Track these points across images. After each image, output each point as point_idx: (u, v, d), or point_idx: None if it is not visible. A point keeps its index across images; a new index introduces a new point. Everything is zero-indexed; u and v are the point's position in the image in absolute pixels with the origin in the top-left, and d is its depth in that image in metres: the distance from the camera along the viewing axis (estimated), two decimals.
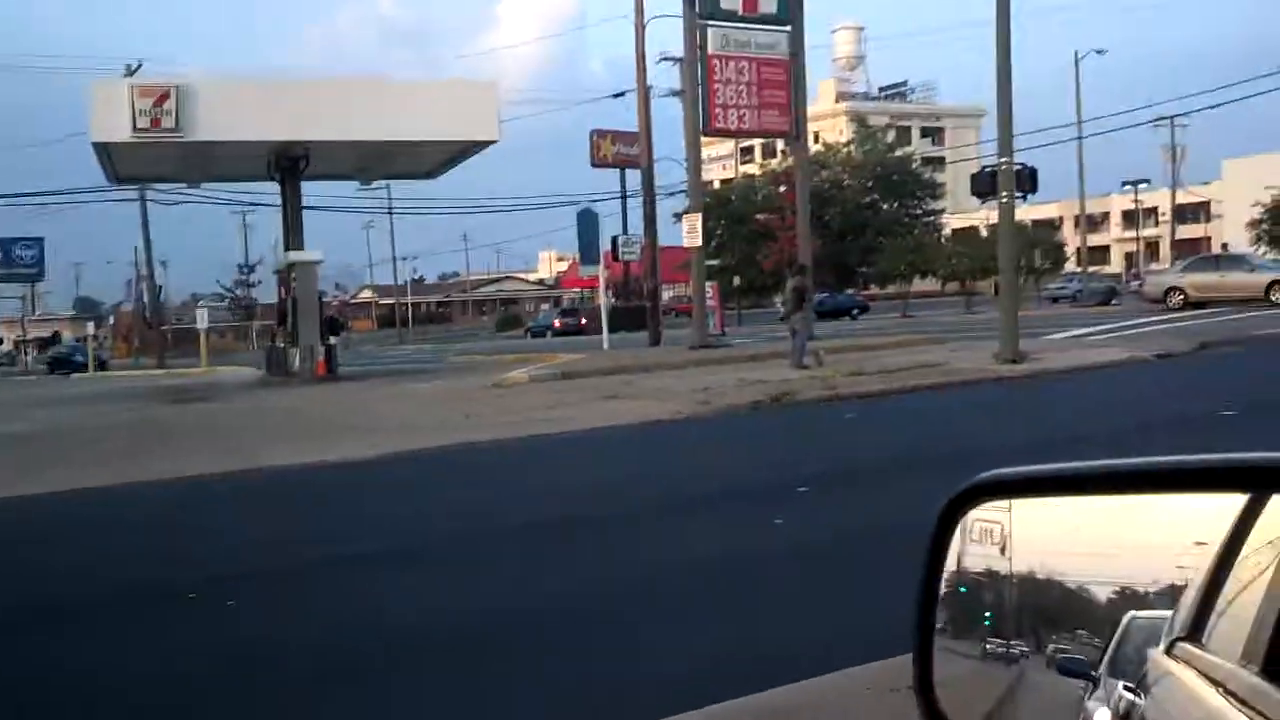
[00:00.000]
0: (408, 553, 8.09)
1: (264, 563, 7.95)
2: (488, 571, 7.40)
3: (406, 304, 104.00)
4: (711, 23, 29.52)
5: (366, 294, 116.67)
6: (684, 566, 7.11)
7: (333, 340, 33.09)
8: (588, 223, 35.33)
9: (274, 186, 31.70)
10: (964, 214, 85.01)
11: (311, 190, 34.39)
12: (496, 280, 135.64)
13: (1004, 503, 1.35)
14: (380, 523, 9.59)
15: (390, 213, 78.51)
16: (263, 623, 6.38)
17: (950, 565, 1.37)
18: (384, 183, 51.62)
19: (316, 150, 28.65)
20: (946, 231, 75.23)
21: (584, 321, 66.63)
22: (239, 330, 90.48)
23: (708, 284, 32.33)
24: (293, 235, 30.23)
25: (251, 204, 54.56)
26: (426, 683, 5.08)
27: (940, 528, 1.36)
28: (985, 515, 1.35)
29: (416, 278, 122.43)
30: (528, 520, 9.05)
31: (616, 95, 49.23)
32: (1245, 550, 1.17)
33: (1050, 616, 1.30)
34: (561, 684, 5.03)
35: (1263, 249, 49.09)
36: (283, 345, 30.73)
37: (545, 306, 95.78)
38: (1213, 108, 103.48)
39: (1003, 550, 1.33)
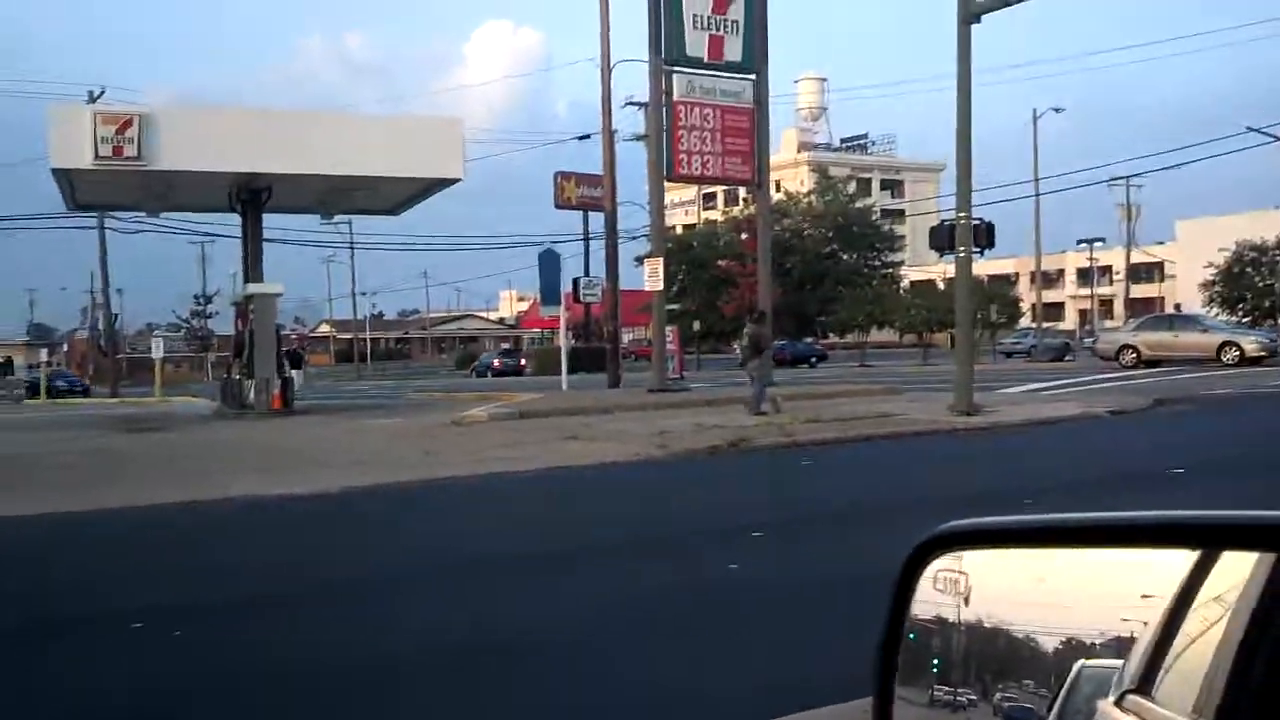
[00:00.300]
0: (367, 585, 8.01)
1: (214, 595, 7.83)
2: (436, 607, 7.32)
3: (365, 339, 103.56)
4: (677, 69, 29.76)
5: (325, 328, 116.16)
6: (638, 606, 7.08)
7: (295, 373, 32.93)
8: (549, 263, 35.46)
9: (234, 217, 31.52)
10: (922, 266, 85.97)
11: (272, 222, 34.25)
12: (457, 318, 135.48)
13: (963, 553, 1.36)
14: (341, 556, 9.49)
15: (352, 248, 78.33)
16: (204, 655, 6.29)
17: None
18: (346, 217, 51.59)
19: (279, 183, 28.53)
20: (905, 283, 76.07)
21: (523, 363, 67.20)
22: (194, 361, 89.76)
23: (668, 328, 32.40)
24: (252, 267, 30.05)
25: (211, 235, 54.27)
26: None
27: (904, 575, 1.37)
28: (947, 564, 1.37)
29: (376, 313, 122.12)
30: (480, 557, 9.00)
31: (581, 138, 49.46)
32: (1195, 604, 1.18)
33: (998, 666, 1.31)
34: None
35: (1215, 310, 49.85)
36: (238, 377, 30.46)
37: (505, 345, 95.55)
38: (1169, 169, 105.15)
39: (966, 600, 1.34)
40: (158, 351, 50.35)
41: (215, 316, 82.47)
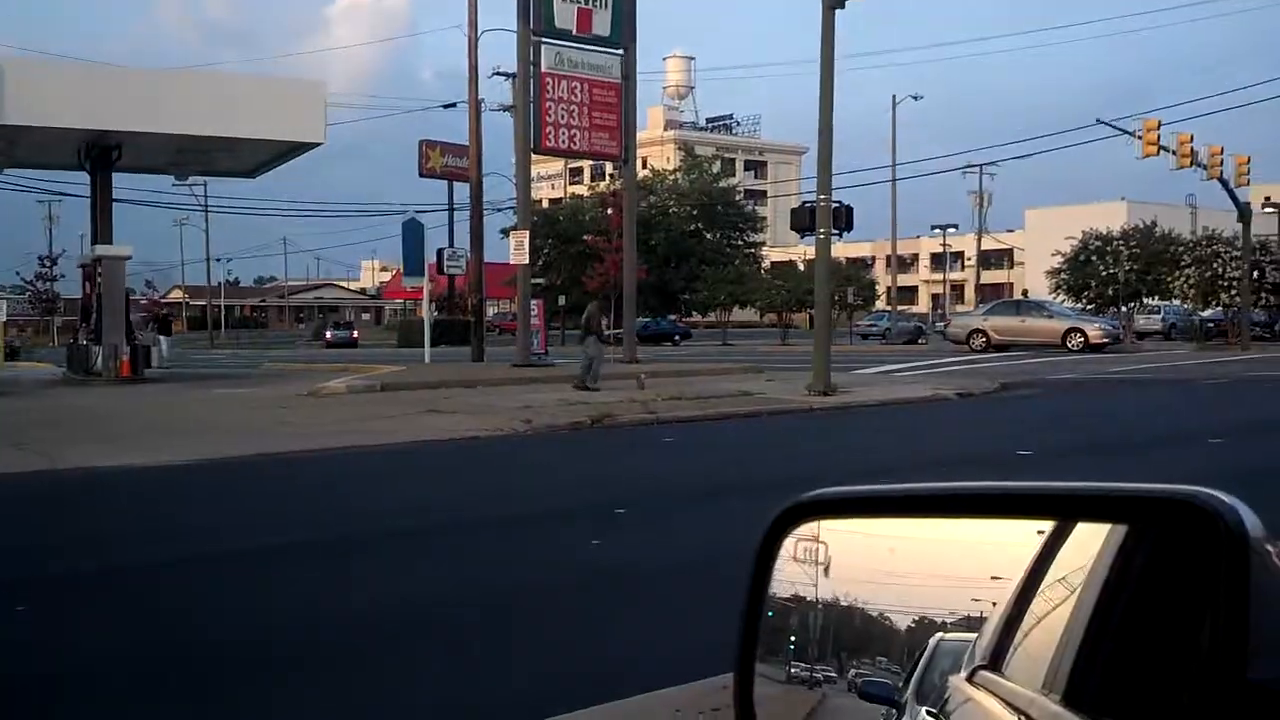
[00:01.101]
0: (183, 564, 7.77)
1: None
2: (252, 592, 7.00)
3: (219, 306, 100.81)
4: (545, 40, 29.56)
5: (177, 294, 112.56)
6: (497, 585, 7.04)
7: (162, 340, 32.12)
8: (413, 233, 34.83)
9: (83, 176, 30.35)
10: (783, 248, 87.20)
11: (123, 182, 33.09)
12: (316, 287, 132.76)
13: (823, 522, 1.36)
14: (172, 533, 9.19)
15: (206, 210, 75.95)
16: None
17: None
18: (201, 179, 50.06)
19: (130, 141, 27.53)
20: (766, 263, 76.95)
21: (355, 334, 68.54)
22: (39, 325, 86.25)
23: (533, 302, 32.24)
24: (101, 228, 28.97)
25: (59, 194, 52.10)
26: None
27: (764, 548, 1.36)
28: (807, 534, 1.36)
29: (231, 280, 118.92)
30: (326, 536, 8.79)
31: (447, 106, 48.78)
32: (1046, 581, 1.20)
33: (855, 642, 1.32)
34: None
35: (1061, 297, 51.48)
36: (85, 343, 29.37)
37: (365, 316, 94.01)
38: (1020, 158, 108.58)
39: (826, 570, 1.34)
40: (0, 314, 48.16)
41: (62, 279, 79.31)
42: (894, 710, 1.25)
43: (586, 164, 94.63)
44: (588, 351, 23.17)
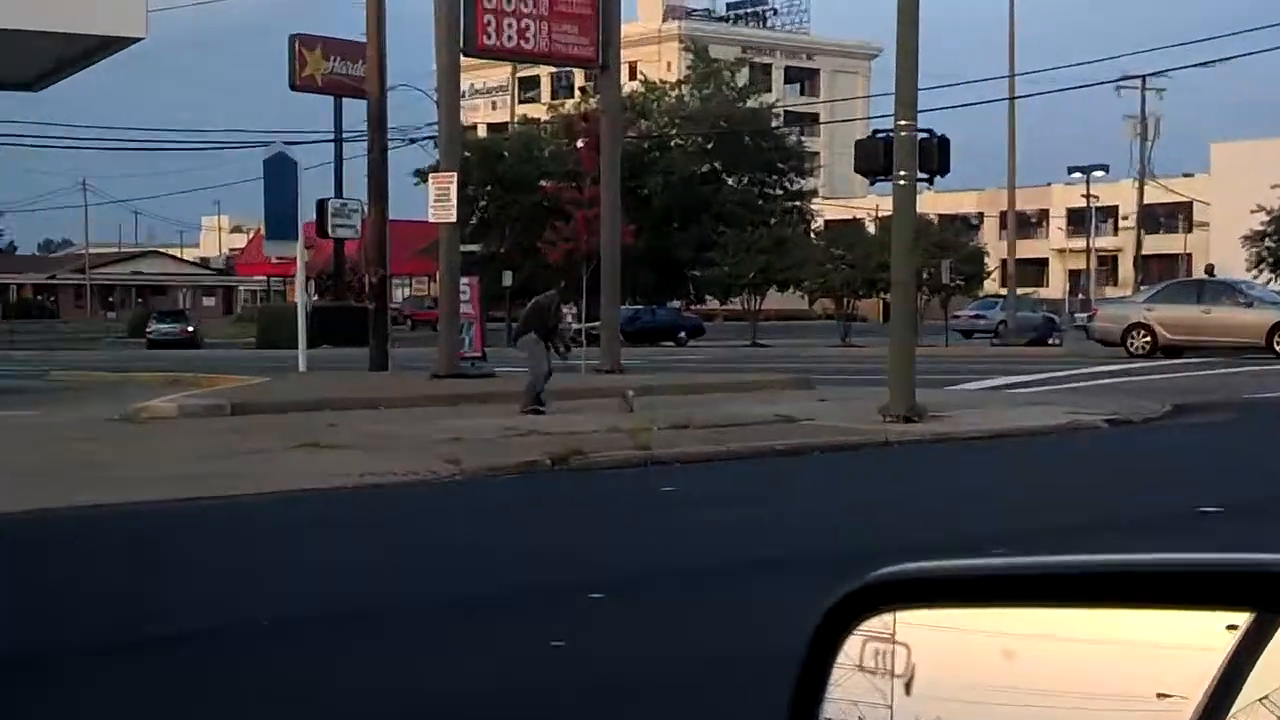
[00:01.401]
0: None
1: None
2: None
3: None
4: None
5: None
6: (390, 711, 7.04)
7: None
8: (281, 176, 34.74)
9: None
10: (844, 200, 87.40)
11: None
12: (134, 257, 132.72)
13: (902, 614, 1.36)
14: None
15: None
16: None
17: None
18: None
19: None
20: (818, 224, 77.07)
21: (192, 329, 68.68)
22: None
23: (464, 280, 32.26)
24: None
25: None
26: None
27: (814, 651, 1.36)
28: (877, 633, 1.36)
29: (3, 246, 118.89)
30: (121, 637, 8.76)
31: None
32: (1242, 700, 1.20)
33: None
34: None
35: (1265, 275, 51.43)
36: None
37: (209, 301, 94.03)
38: (1204, 65, 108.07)
39: (907, 687, 1.35)
40: None
41: None
42: None
43: (545, 72, 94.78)
44: (532, 355, 22.92)
